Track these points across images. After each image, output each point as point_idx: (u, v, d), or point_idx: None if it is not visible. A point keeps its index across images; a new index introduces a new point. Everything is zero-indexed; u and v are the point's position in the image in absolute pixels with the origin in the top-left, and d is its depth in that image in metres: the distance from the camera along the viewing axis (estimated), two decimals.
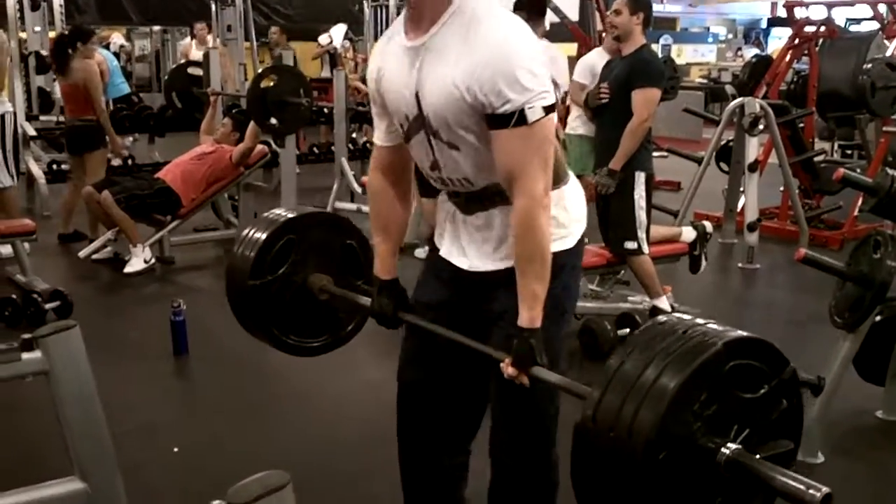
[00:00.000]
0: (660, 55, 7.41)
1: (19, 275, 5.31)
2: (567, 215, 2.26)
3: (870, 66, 7.20)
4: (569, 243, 2.25)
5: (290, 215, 2.71)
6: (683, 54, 20.20)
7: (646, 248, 4.65)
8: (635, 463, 1.57)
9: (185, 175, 6.45)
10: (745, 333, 1.67)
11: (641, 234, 4.62)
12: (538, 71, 1.99)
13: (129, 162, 9.04)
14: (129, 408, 3.73)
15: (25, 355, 2.20)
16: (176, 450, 3.48)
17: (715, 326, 1.68)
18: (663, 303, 4.76)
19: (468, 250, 2.30)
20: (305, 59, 12.54)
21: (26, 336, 2.22)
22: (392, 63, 2.19)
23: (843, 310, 3.41)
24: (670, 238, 5.17)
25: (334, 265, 2.69)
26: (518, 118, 1.98)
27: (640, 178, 4.58)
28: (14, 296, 4.95)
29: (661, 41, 18.79)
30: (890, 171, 3.36)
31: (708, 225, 5.29)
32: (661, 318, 1.77)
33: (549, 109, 2.01)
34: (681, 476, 1.61)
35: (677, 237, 5.19)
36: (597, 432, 1.64)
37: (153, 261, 6.21)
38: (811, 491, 1.51)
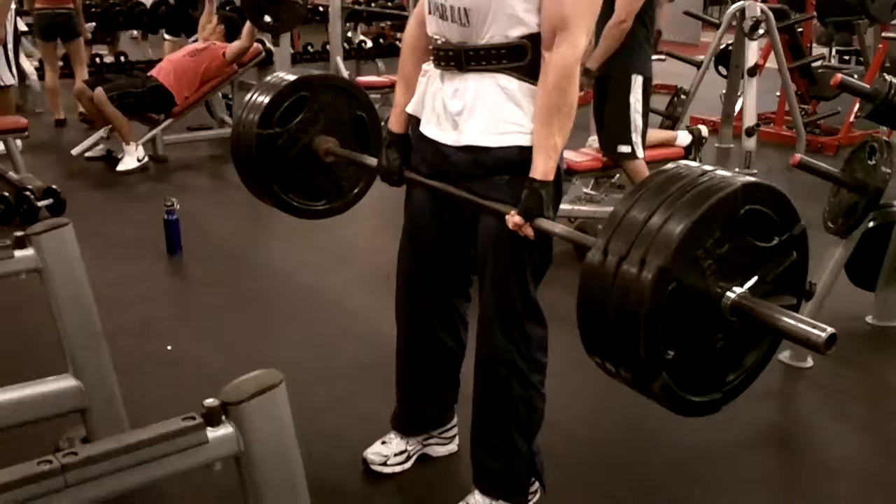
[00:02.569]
0: None
1: (12, 172, 5.28)
2: None
3: None
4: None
5: (308, 73, 2.71)
6: None
7: (640, 153, 4.61)
8: (642, 304, 1.57)
9: (178, 72, 6.38)
10: (763, 181, 1.67)
11: (636, 139, 4.57)
12: None
13: (122, 59, 8.90)
14: (122, 306, 3.75)
15: (18, 252, 2.20)
16: (169, 348, 3.51)
17: (730, 173, 1.68)
18: None
19: (443, 120, 2.26)
20: None
21: (18, 234, 2.22)
22: None
23: (836, 216, 3.41)
24: (665, 142, 5.13)
25: (342, 132, 2.69)
26: None
27: (637, 81, 4.51)
28: (6, 193, 4.94)
29: None
30: (888, 77, 3.31)
31: (703, 129, 5.27)
32: (672, 164, 1.76)
33: None
34: (686, 316, 1.62)
35: (672, 141, 5.16)
36: (605, 268, 1.64)
37: (146, 159, 6.17)
38: (816, 331, 1.52)
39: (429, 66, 2.31)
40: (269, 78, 2.74)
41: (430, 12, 2.24)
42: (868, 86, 3.39)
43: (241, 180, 2.79)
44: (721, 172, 1.68)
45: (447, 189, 2.26)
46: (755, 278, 1.64)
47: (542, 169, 2.07)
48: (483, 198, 2.17)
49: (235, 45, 6.46)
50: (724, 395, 1.75)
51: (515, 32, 2.09)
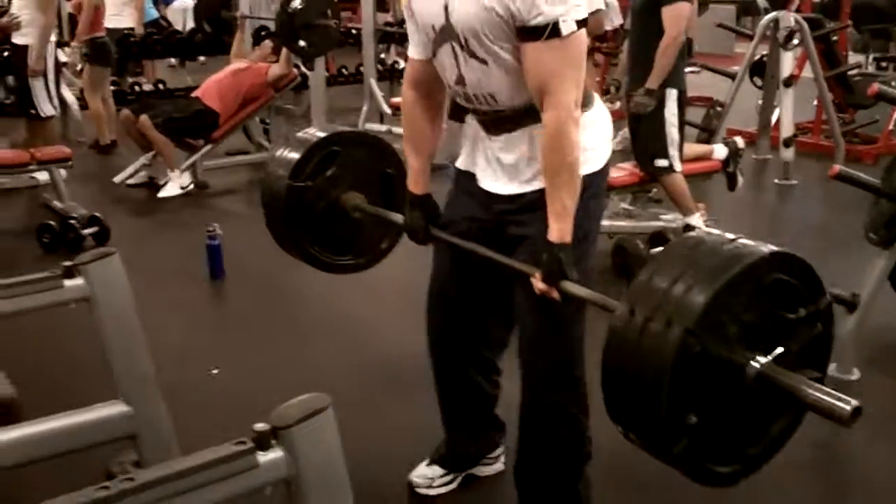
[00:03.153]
0: None
1: (56, 201, 5.37)
2: (591, 140, 2.24)
3: None
4: (591, 168, 2.22)
5: (339, 129, 2.75)
6: None
7: (678, 166, 4.61)
8: (665, 364, 1.57)
9: (221, 91, 6.47)
10: (790, 251, 1.66)
11: (673, 152, 4.58)
12: None
13: (161, 86, 9.05)
14: (166, 331, 3.80)
15: (67, 282, 2.24)
16: (214, 371, 3.56)
17: (752, 242, 1.67)
18: (696, 220, 4.73)
19: (491, 171, 2.31)
20: None
21: (67, 263, 2.26)
22: None
23: (878, 226, 3.39)
24: (702, 156, 5.12)
25: (370, 188, 2.71)
26: (552, 30, 1.97)
27: (672, 94, 4.52)
28: (52, 222, 5.02)
29: None
30: None
31: (739, 141, 5.24)
32: (694, 233, 1.77)
33: (581, 23, 2.01)
34: (710, 382, 1.60)
35: (709, 155, 5.15)
36: (628, 332, 1.64)
37: (191, 185, 6.26)
38: (841, 403, 1.52)
39: (473, 121, 2.35)
40: (300, 133, 2.78)
41: (455, 96, 2.30)
42: None
43: (269, 230, 2.83)
44: (746, 241, 1.68)
45: (476, 250, 2.30)
46: (780, 349, 1.62)
47: (556, 231, 2.09)
48: (531, 233, 2.19)
49: (275, 69, 6.55)
50: (746, 466, 1.72)
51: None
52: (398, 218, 2.57)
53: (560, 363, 2.32)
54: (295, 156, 2.65)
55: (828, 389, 1.57)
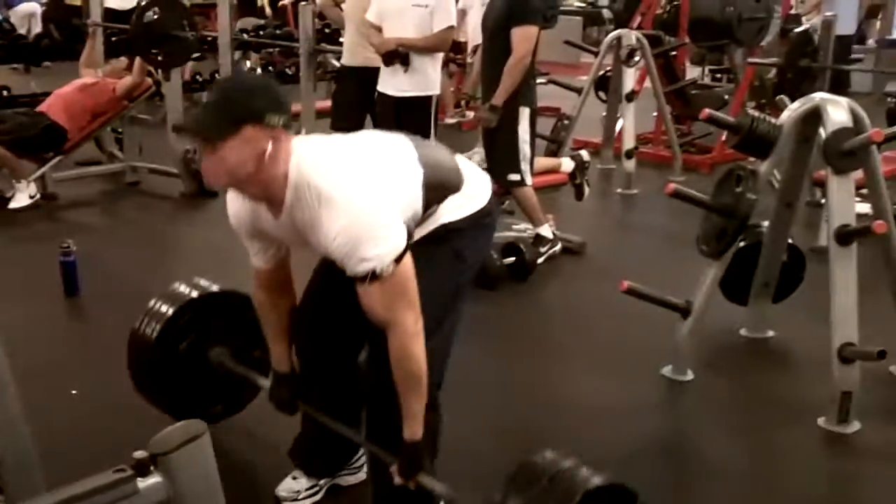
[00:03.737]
0: None
1: None
2: (468, 202, 2.45)
3: None
4: (465, 212, 2.43)
5: (192, 295, 3.01)
6: None
7: (528, 180, 4.83)
8: None
9: (68, 107, 6.33)
10: (598, 481, 1.98)
11: (525, 167, 4.80)
12: (382, 234, 2.13)
13: (5, 93, 8.74)
14: (20, 350, 3.67)
15: None
16: (74, 392, 3.54)
17: (578, 475, 2.00)
18: (546, 230, 4.97)
19: None
20: None
21: None
22: (269, 224, 2.31)
23: (709, 239, 3.66)
24: (551, 168, 5.38)
25: (234, 338, 2.99)
26: (372, 277, 2.13)
27: (525, 113, 4.74)
28: None
29: None
30: (750, 112, 3.59)
31: (585, 154, 5.53)
32: (536, 459, 2.08)
33: (400, 258, 2.15)
34: None
35: (558, 168, 5.41)
36: None
37: (38, 196, 6.11)
38: None
39: None
40: (152, 304, 3.04)
41: None
42: (733, 119, 3.66)
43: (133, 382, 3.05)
44: (581, 473, 2.01)
45: (342, 432, 2.63)
46: None
47: (409, 432, 2.30)
48: None
49: (126, 82, 6.46)
50: None
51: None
52: (264, 383, 2.82)
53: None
54: (155, 331, 2.94)
55: None
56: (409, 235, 2.23)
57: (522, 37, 4.60)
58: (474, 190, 2.49)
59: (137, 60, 6.43)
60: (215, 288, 3.08)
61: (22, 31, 10.10)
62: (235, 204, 2.36)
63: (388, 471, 2.42)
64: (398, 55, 4.88)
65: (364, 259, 2.11)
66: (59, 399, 3.45)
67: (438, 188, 2.37)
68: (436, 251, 2.38)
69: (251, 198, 2.24)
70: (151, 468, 1.51)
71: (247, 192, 2.22)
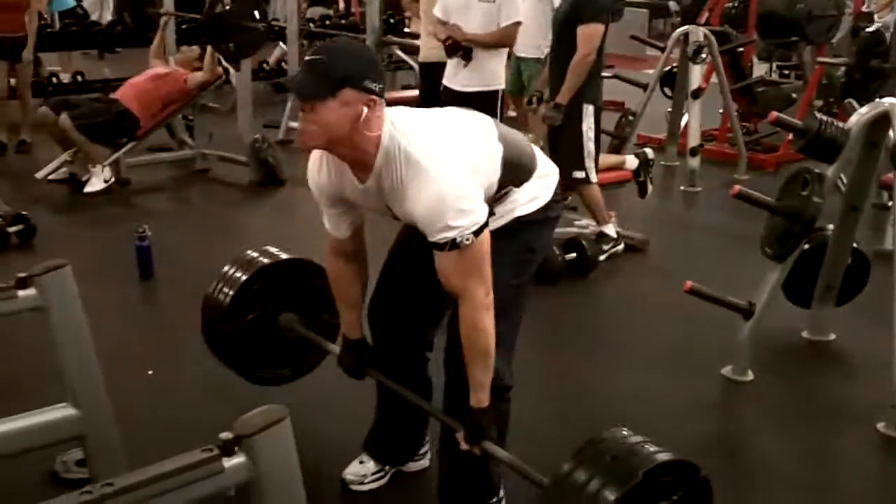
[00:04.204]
0: None
1: None
2: (540, 192, 2.53)
3: None
4: (537, 204, 2.52)
5: (264, 262, 3.10)
6: None
7: (593, 178, 4.87)
8: None
9: (140, 95, 6.50)
10: (664, 458, 2.05)
11: (589, 164, 4.83)
12: (466, 206, 2.22)
13: (79, 78, 8.96)
14: (100, 332, 3.82)
15: (21, 293, 2.37)
16: (151, 372, 3.67)
17: (645, 450, 2.08)
18: (609, 229, 5.00)
19: None
20: None
21: (21, 275, 2.39)
22: (352, 190, 2.40)
23: (772, 241, 3.67)
24: (615, 166, 5.39)
25: (305, 305, 3.07)
26: (451, 245, 2.22)
27: (589, 110, 4.77)
28: None
29: None
30: (818, 115, 3.58)
31: (649, 152, 5.52)
32: (604, 435, 2.15)
33: (479, 231, 2.24)
34: None
35: (622, 165, 5.42)
36: None
37: (112, 180, 6.28)
38: None
39: None
40: (235, 262, 3.16)
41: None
42: (800, 122, 3.65)
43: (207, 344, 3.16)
44: (649, 448, 2.09)
45: (405, 395, 2.68)
46: None
47: (475, 400, 2.37)
48: None
49: (198, 77, 6.60)
50: None
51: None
52: (333, 348, 2.91)
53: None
54: (228, 298, 3.03)
55: None
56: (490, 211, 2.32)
57: (587, 35, 4.63)
58: (546, 180, 2.56)
59: (208, 55, 6.56)
60: (285, 255, 3.17)
61: (94, 16, 10.32)
62: (318, 170, 2.44)
63: (457, 458, 2.51)
64: (460, 47, 4.93)
65: (448, 227, 2.19)
66: (137, 379, 3.59)
67: (515, 168, 2.44)
68: (509, 245, 2.45)
69: (340, 159, 2.31)
70: (236, 449, 1.61)
71: (338, 152, 2.29)
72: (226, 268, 3.14)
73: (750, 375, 3.77)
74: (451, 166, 2.23)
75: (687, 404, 3.57)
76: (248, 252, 3.19)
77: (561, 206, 2.65)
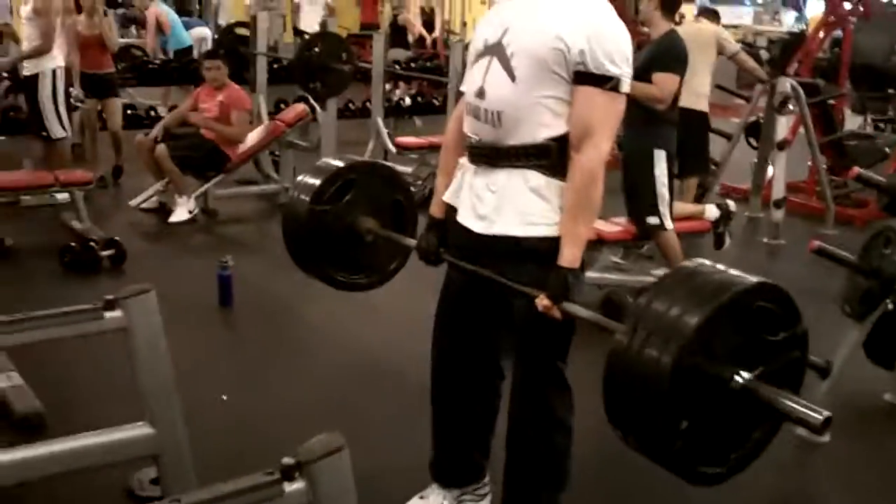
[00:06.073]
0: None
1: (76, 221, 5.61)
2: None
3: None
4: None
5: (356, 159, 3.04)
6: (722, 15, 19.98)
7: (668, 224, 4.82)
8: (662, 375, 1.80)
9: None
10: (773, 282, 1.90)
11: (664, 209, 4.79)
12: (629, 54, 2.34)
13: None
14: (177, 356, 3.97)
15: (108, 314, 2.47)
16: (224, 398, 3.76)
17: (741, 273, 1.92)
18: None
19: (470, 207, 2.53)
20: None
21: (109, 297, 2.49)
22: (490, 17, 2.51)
23: (852, 300, 3.60)
24: (694, 215, 5.35)
25: (382, 214, 2.94)
26: (614, 84, 2.29)
27: (661, 155, 4.75)
28: (73, 243, 5.28)
29: (697, 2, 18.65)
30: None
31: (731, 204, 5.47)
32: (691, 262, 2.00)
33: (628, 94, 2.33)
34: (700, 392, 1.84)
35: (701, 214, 5.38)
36: (630, 348, 1.87)
37: (197, 211, 6.48)
38: (814, 413, 1.76)
39: (464, 161, 2.58)
40: (319, 163, 3.04)
41: (467, 112, 2.53)
42: (884, 179, 3.60)
43: (288, 252, 3.04)
44: (736, 272, 1.92)
45: (481, 272, 2.49)
46: (761, 368, 1.86)
47: (568, 257, 2.33)
48: (513, 282, 2.41)
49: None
50: (730, 468, 1.96)
51: (543, 135, 2.37)
52: (410, 241, 2.82)
53: (539, 381, 2.55)
54: (316, 182, 2.89)
55: (802, 401, 1.80)
56: None
57: (662, 82, 4.63)
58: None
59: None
60: (363, 159, 3.20)
61: (194, 54, 10.70)
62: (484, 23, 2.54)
63: (518, 484, 2.54)
64: None
65: (620, 58, 2.28)
66: (211, 404, 3.67)
67: None
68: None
69: None
70: (296, 474, 1.65)
71: None
72: (302, 175, 3.03)
73: (827, 437, 3.65)
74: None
75: (759, 461, 3.49)
76: (327, 159, 3.12)
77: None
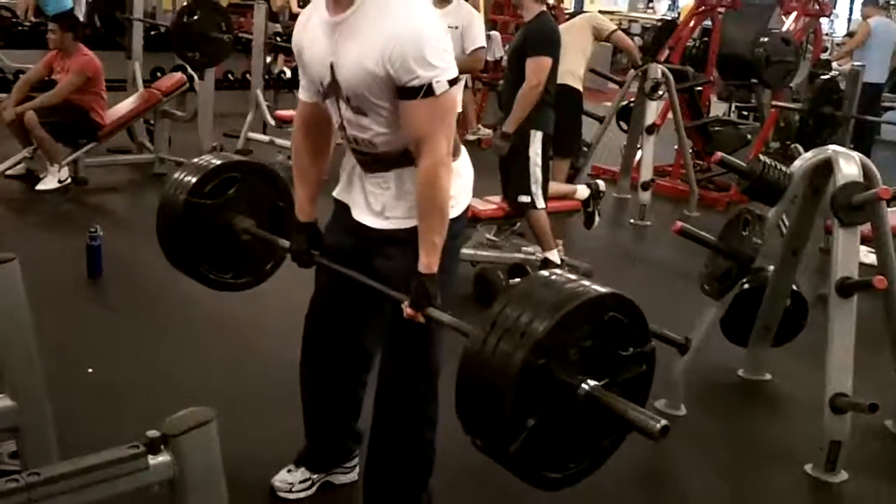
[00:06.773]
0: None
1: None
2: (456, 189, 2.50)
3: (766, 38, 7.57)
4: (454, 213, 2.50)
5: (240, 158, 3.04)
6: (597, 2, 20.43)
7: (540, 203, 4.93)
8: (510, 376, 1.84)
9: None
10: (625, 294, 1.97)
11: (536, 189, 4.90)
12: (444, 48, 2.30)
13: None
14: (41, 326, 3.84)
15: None
16: (90, 370, 3.67)
17: (594, 284, 1.97)
18: (554, 256, 5.07)
19: (364, 205, 2.57)
20: None
21: None
22: (312, 34, 2.46)
23: (711, 280, 3.75)
24: (566, 195, 5.48)
25: (260, 215, 2.94)
26: (426, 91, 2.26)
27: (537, 136, 4.86)
28: None
29: None
30: (762, 158, 3.68)
31: (601, 184, 5.62)
32: (545, 272, 2.07)
33: (453, 82, 2.31)
34: (546, 398, 1.89)
35: (572, 194, 5.51)
36: (482, 351, 1.91)
37: (68, 180, 6.27)
38: (652, 421, 1.83)
39: (350, 156, 2.60)
40: (198, 159, 3.00)
41: (341, 138, 2.57)
42: (745, 164, 3.76)
43: (160, 246, 3.02)
44: (588, 283, 1.98)
45: (353, 276, 2.56)
46: (608, 378, 1.93)
47: (425, 263, 2.38)
48: (396, 268, 2.47)
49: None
50: (573, 474, 2.00)
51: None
52: (284, 243, 2.81)
53: (418, 364, 2.60)
54: (194, 178, 2.86)
55: (643, 410, 1.87)
56: None
57: (535, 67, 4.73)
58: (464, 182, 2.59)
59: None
60: (247, 159, 3.15)
61: None
62: (299, 29, 2.53)
63: (383, 474, 2.57)
64: None
65: (426, 64, 2.24)
66: (77, 377, 3.59)
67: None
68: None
69: None
70: (162, 447, 1.64)
71: None
72: (178, 171, 2.99)
73: (683, 410, 3.81)
74: (431, 16, 2.33)
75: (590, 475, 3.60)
76: (205, 156, 3.10)
77: (465, 220, 2.66)
